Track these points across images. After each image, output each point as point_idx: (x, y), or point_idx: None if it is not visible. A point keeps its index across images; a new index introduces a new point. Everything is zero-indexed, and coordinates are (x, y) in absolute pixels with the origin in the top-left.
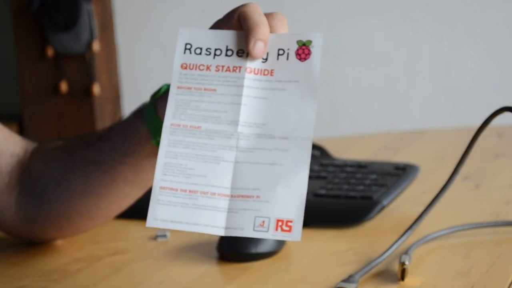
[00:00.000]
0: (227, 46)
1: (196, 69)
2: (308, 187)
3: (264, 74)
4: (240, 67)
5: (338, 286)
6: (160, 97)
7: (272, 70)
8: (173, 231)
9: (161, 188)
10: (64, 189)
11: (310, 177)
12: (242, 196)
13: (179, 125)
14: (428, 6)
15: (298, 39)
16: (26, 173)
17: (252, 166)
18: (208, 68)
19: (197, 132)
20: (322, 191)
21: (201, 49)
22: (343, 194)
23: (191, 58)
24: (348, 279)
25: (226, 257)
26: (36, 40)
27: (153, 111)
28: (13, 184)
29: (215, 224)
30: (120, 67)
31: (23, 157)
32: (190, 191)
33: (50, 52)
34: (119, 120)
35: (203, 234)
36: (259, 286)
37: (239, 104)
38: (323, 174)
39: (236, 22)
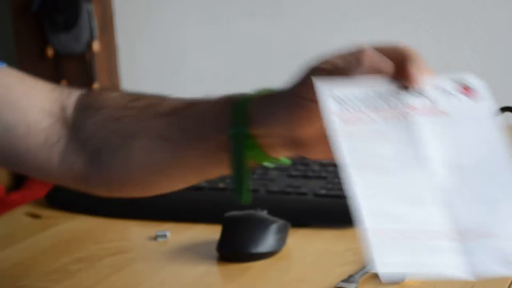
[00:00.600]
0: (380, 93)
1: (359, 120)
2: (308, 187)
3: (436, 114)
4: (407, 112)
5: (338, 286)
6: (256, 101)
7: (443, 109)
8: (173, 232)
9: (378, 232)
10: (123, 156)
11: (310, 178)
12: (474, 236)
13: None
14: (428, 6)
15: (453, 77)
16: (72, 129)
17: (468, 205)
18: (372, 118)
19: (393, 177)
20: (323, 191)
21: (354, 102)
22: (343, 194)
23: (349, 114)
24: (348, 279)
25: (226, 257)
26: (36, 40)
27: (244, 112)
28: (53, 141)
29: (454, 267)
30: (120, 67)
31: (60, 112)
32: (409, 234)
33: (50, 52)
34: (199, 99)
35: (202, 234)
36: (259, 286)
37: (425, 147)
38: (324, 174)
39: (370, 65)
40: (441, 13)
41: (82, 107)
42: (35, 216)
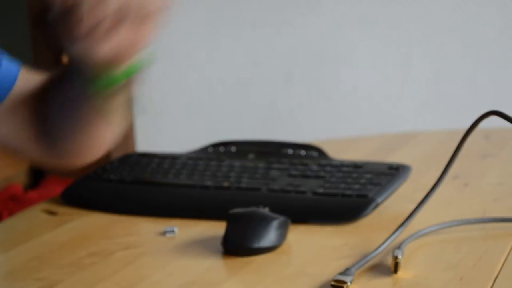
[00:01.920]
0: None
1: None
2: (307, 185)
3: None
4: None
5: (335, 278)
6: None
7: None
8: (181, 228)
9: None
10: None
11: (309, 177)
12: None
13: None
14: (420, 16)
15: None
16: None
17: None
18: None
19: None
20: (320, 190)
21: None
22: (340, 193)
23: None
24: (345, 272)
25: (230, 252)
26: (52, 49)
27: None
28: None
29: None
30: None
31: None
32: None
33: (65, 59)
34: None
35: (208, 230)
36: (261, 278)
37: None
38: (321, 173)
39: None
40: (432, 23)
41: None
42: (51, 213)
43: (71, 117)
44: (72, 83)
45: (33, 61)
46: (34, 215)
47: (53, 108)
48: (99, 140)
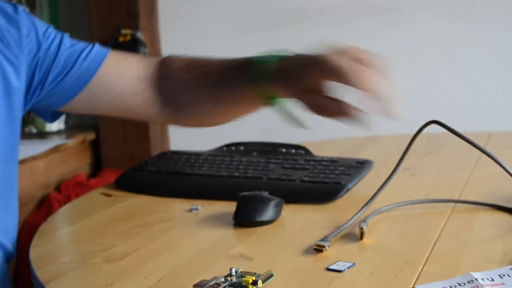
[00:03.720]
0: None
1: None
2: (296, 175)
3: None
4: None
5: (316, 243)
6: (275, 71)
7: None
8: (203, 206)
9: None
10: (191, 109)
11: (298, 169)
12: None
13: None
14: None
15: None
16: (157, 89)
17: None
18: None
19: None
20: (306, 178)
21: None
22: (320, 180)
23: None
24: (324, 239)
25: (239, 224)
26: None
27: (267, 80)
28: (148, 99)
29: None
30: None
31: (148, 77)
32: None
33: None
34: (229, 68)
35: (223, 208)
36: (262, 243)
37: None
38: (307, 166)
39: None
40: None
41: (161, 75)
42: (107, 195)
43: (223, 98)
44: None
45: None
46: (94, 197)
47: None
48: (234, 116)
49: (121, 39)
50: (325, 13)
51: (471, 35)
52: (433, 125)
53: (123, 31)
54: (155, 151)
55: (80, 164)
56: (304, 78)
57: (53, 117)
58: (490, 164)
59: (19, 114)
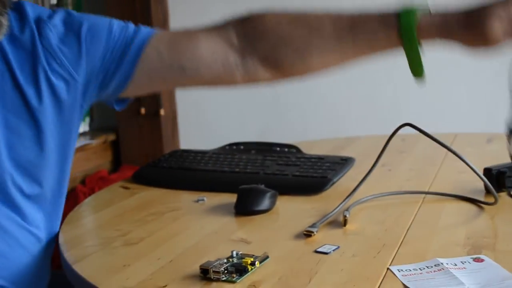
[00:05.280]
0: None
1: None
2: (288, 170)
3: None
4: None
5: (306, 229)
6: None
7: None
8: (208, 197)
9: None
10: (301, 64)
11: (290, 165)
12: None
13: None
14: None
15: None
16: (243, 51)
17: None
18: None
19: None
20: (297, 173)
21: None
22: (309, 175)
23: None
24: (313, 225)
25: (239, 213)
26: None
27: (413, 30)
28: (231, 66)
29: None
30: (177, 99)
31: (226, 47)
32: None
33: None
34: (367, 16)
35: (225, 199)
36: (260, 229)
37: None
38: (298, 163)
39: None
40: None
41: (245, 35)
42: (126, 188)
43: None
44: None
45: None
46: (114, 189)
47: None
48: (351, 61)
49: None
50: None
51: (437, 47)
52: (407, 127)
53: None
54: (167, 149)
55: (102, 161)
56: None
57: (120, 104)
58: (455, 161)
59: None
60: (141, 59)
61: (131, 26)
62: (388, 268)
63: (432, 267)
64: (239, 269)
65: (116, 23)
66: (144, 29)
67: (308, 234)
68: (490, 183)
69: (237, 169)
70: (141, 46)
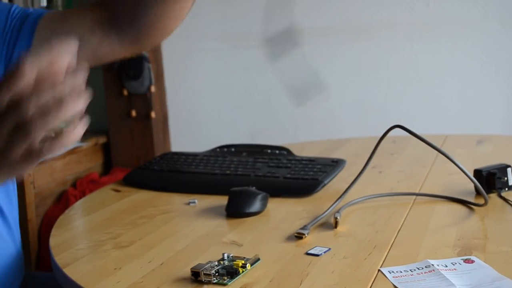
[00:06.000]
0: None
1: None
2: (279, 173)
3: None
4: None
5: (297, 231)
6: None
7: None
8: (199, 200)
9: None
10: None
11: (281, 167)
12: None
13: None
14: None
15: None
16: (106, 25)
17: None
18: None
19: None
20: (288, 175)
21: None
22: (300, 177)
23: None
24: (304, 227)
25: (231, 215)
26: (117, 85)
27: None
28: (103, 38)
29: None
30: (167, 101)
31: (96, 24)
32: None
33: (125, 92)
34: None
35: (216, 201)
36: (251, 231)
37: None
38: (289, 165)
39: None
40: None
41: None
42: (117, 191)
43: None
44: None
45: (105, 94)
46: (105, 192)
47: None
48: (175, 13)
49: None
50: (306, 32)
51: (428, 51)
52: (397, 129)
53: None
54: (158, 152)
55: (93, 164)
56: None
57: None
58: (445, 162)
59: None
60: (36, 29)
61: (31, 9)
62: (379, 270)
63: (423, 268)
64: (230, 272)
65: (17, 5)
66: (41, 9)
67: (299, 236)
68: (480, 184)
69: (228, 172)
70: (36, 18)
